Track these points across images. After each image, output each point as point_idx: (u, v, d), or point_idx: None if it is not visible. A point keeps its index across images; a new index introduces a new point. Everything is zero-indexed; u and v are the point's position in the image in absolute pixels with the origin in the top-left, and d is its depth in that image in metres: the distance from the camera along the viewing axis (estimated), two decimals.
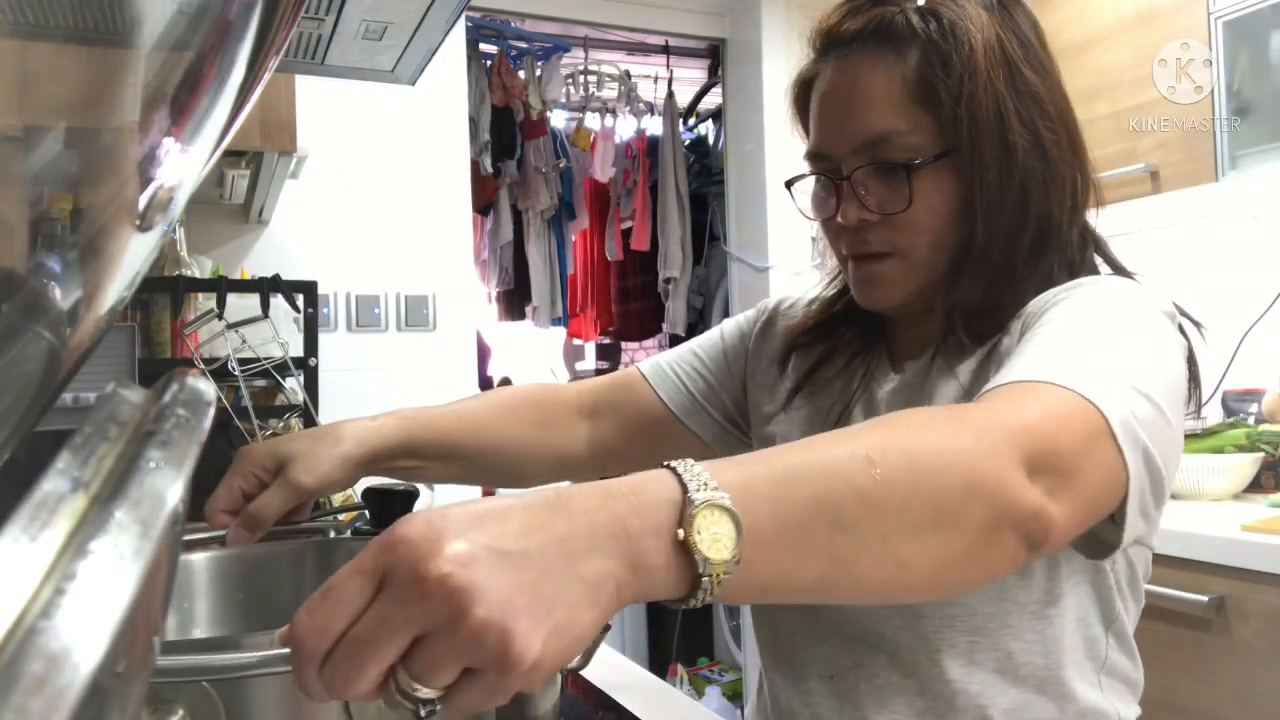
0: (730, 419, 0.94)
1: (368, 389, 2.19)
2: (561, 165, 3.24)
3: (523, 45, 3.04)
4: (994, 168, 0.72)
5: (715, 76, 3.16)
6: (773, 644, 0.82)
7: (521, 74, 3.00)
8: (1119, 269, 0.79)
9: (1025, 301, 0.72)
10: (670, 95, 3.29)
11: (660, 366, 0.96)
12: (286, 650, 0.36)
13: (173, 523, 0.20)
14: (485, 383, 3.60)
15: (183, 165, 0.32)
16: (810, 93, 0.79)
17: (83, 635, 0.16)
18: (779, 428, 0.86)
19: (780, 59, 2.75)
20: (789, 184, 0.84)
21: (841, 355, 0.85)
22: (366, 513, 0.86)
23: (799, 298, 0.94)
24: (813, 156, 0.79)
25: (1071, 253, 0.76)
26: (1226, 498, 1.78)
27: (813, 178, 0.80)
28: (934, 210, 0.73)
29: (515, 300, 3.35)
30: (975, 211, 0.73)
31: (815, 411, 0.84)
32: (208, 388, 0.24)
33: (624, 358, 4.27)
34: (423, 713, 0.37)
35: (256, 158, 1.69)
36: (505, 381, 3.87)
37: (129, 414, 0.22)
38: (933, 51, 0.72)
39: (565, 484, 0.44)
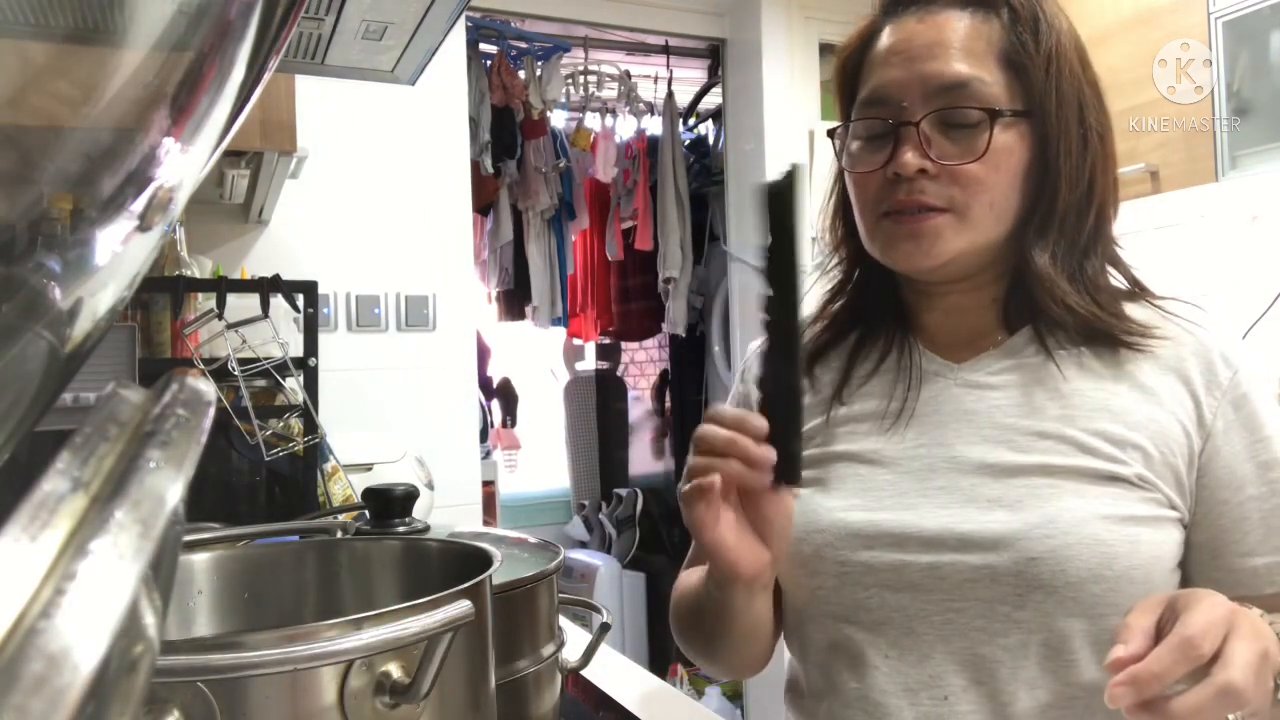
0: None
1: (368, 389, 2.19)
2: (561, 165, 3.24)
3: (523, 45, 3.04)
4: (1075, 140, 0.74)
5: (715, 76, 3.16)
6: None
7: (521, 74, 3.00)
8: (1129, 274, 0.81)
9: (1111, 303, 0.74)
10: (670, 95, 3.29)
11: None
12: (283, 650, 0.36)
13: (173, 523, 0.20)
14: (485, 383, 3.60)
15: (183, 165, 0.32)
16: (864, 52, 0.78)
17: (83, 635, 0.16)
18: (838, 443, 0.80)
19: (780, 59, 2.75)
20: (831, 133, 0.81)
21: (868, 357, 0.82)
22: (367, 513, 0.86)
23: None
24: (869, 103, 0.76)
25: (1113, 250, 0.79)
26: None
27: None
28: (1000, 168, 0.73)
29: (515, 300, 3.35)
30: (1041, 181, 0.74)
31: (866, 414, 0.80)
32: (208, 388, 0.24)
33: (624, 358, 4.27)
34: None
35: (256, 158, 1.69)
36: (505, 381, 3.87)
37: (129, 414, 0.22)
38: (1024, 20, 0.73)
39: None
